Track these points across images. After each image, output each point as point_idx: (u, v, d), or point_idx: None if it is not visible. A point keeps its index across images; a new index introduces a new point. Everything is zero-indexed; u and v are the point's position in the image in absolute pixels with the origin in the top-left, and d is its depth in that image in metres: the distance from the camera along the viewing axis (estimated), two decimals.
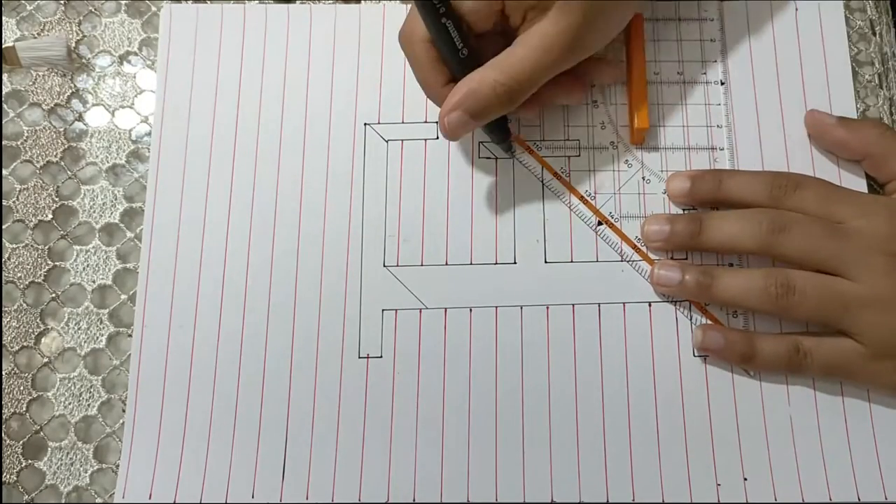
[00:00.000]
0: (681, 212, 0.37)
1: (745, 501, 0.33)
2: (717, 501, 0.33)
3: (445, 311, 0.36)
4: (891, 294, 0.32)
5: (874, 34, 0.40)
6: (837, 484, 0.33)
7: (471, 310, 0.36)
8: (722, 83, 0.38)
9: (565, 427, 0.34)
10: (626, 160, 0.37)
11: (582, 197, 0.37)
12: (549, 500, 0.33)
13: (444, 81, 0.34)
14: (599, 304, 0.36)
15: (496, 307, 0.36)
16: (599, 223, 0.36)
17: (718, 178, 0.35)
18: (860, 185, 0.37)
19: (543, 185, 0.37)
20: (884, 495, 0.33)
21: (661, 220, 0.36)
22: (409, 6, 0.34)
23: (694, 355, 0.35)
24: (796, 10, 0.39)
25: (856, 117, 0.38)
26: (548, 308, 0.36)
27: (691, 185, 0.36)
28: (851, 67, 0.39)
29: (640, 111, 0.37)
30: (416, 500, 0.33)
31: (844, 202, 0.34)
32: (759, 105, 0.38)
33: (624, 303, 0.36)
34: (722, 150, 0.37)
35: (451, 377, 0.35)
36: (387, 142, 0.38)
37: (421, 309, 0.36)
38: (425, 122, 0.38)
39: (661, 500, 0.33)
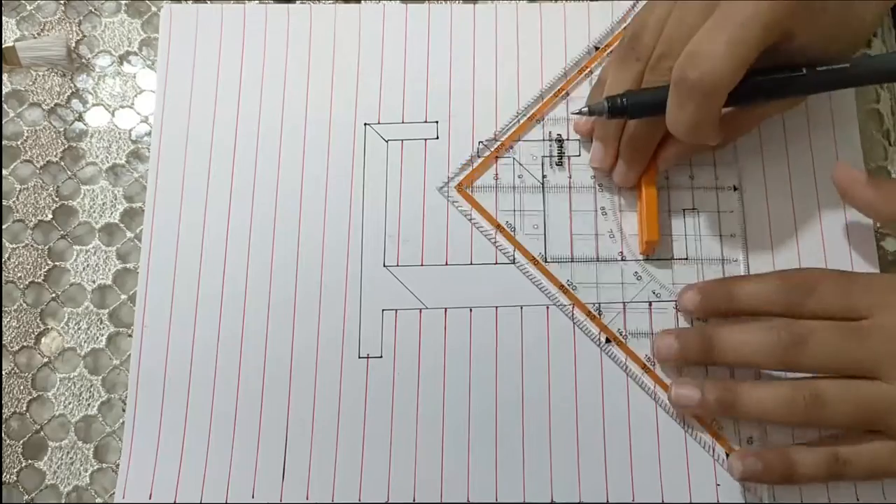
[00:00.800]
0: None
1: (744, 501, 0.33)
2: (716, 501, 0.33)
3: (445, 311, 0.36)
4: None
5: (874, 35, 0.40)
6: (836, 484, 0.33)
7: (471, 310, 0.36)
8: (735, 188, 0.37)
9: (565, 427, 0.34)
10: (636, 272, 0.36)
11: (589, 312, 0.35)
12: (549, 500, 0.33)
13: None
14: (600, 304, 0.36)
15: (496, 307, 0.36)
16: (608, 340, 0.35)
17: (729, 289, 0.33)
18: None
19: (549, 305, 0.36)
20: (882, 496, 0.33)
21: (670, 336, 0.34)
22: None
23: (711, 452, 0.34)
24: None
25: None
26: (548, 308, 0.36)
27: (702, 300, 0.34)
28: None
29: (651, 223, 0.35)
30: (416, 500, 0.33)
31: (865, 294, 0.32)
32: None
33: (624, 303, 0.36)
34: (736, 261, 0.36)
35: (451, 377, 0.35)
36: (387, 142, 0.38)
37: (421, 309, 0.36)
38: (425, 122, 0.38)
39: (660, 500, 0.33)
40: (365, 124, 0.38)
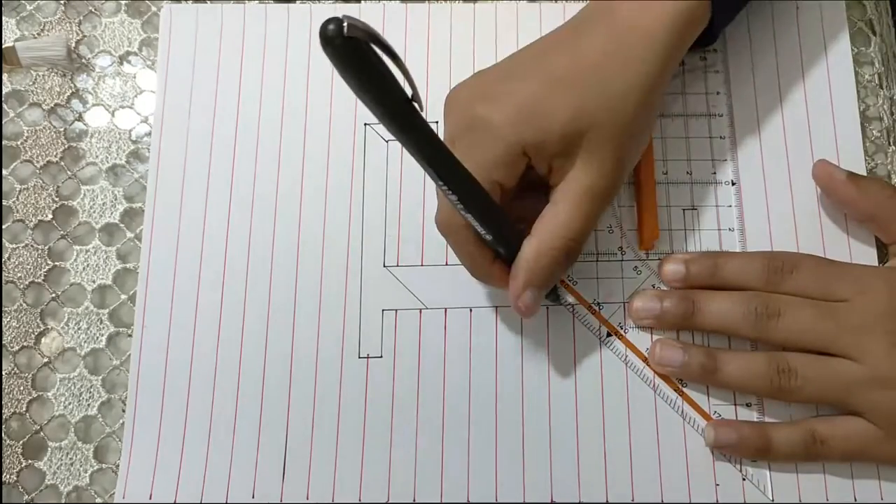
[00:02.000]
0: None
1: (743, 501, 0.33)
2: (715, 501, 0.33)
3: (445, 311, 0.36)
4: (894, 372, 0.31)
5: (874, 34, 0.40)
6: (835, 484, 0.33)
7: (471, 310, 0.36)
8: (733, 183, 0.37)
9: (565, 427, 0.34)
10: (635, 267, 0.36)
11: (590, 306, 0.35)
12: (549, 500, 0.33)
13: (491, 258, 0.32)
14: (600, 304, 0.36)
15: (496, 307, 0.36)
16: (609, 334, 0.35)
17: (714, 261, 0.34)
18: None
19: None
20: (881, 496, 0.33)
21: (651, 296, 0.35)
22: (437, 193, 0.32)
23: (710, 452, 0.34)
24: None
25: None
26: (548, 308, 0.36)
27: (686, 269, 0.34)
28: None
29: (650, 218, 0.36)
30: (416, 501, 0.33)
31: (843, 279, 0.33)
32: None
33: (624, 303, 0.36)
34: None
35: (451, 377, 0.35)
36: (387, 142, 0.38)
37: (421, 309, 0.36)
38: None
39: (660, 500, 0.33)
40: (365, 124, 0.38)
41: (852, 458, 0.33)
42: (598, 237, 0.36)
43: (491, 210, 0.29)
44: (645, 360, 0.35)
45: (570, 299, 0.35)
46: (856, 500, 0.33)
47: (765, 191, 0.37)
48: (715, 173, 0.37)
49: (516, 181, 0.31)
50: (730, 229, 0.37)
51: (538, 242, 0.31)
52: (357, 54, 0.21)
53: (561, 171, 0.31)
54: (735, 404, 0.34)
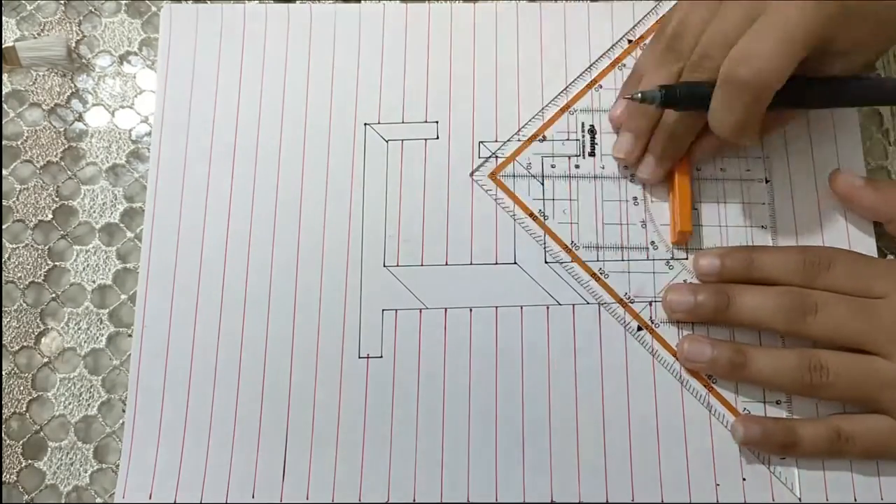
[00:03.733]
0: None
1: (743, 501, 0.33)
2: (716, 501, 0.33)
3: (445, 311, 0.36)
4: None
5: None
6: (835, 484, 0.33)
7: (471, 310, 0.36)
8: (766, 181, 0.37)
9: (565, 427, 0.34)
10: (667, 262, 0.36)
11: (621, 300, 0.35)
12: (549, 500, 0.33)
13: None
14: (599, 305, 0.36)
15: (496, 307, 0.36)
16: (639, 328, 0.35)
17: (749, 255, 0.34)
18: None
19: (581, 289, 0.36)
20: (880, 496, 0.33)
21: (685, 289, 0.34)
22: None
23: (738, 448, 0.34)
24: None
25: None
26: (548, 308, 0.36)
27: (721, 263, 0.34)
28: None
29: (684, 213, 0.35)
30: (416, 501, 0.33)
31: (880, 276, 0.33)
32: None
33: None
34: None
35: (451, 377, 0.35)
36: (387, 142, 0.38)
37: (421, 309, 0.36)
38: (425, 121, 0.38)
39: (660, 500, 0.33)
40: (365, 124, 0.38)
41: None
42: (629, 231, 0.37)
43: None
44: (675, 354, 0.35)
45: (554, 257, 0.35)
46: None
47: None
48: (749, 170, 0.37)
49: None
50: (762, 227, 0.37)
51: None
52: None
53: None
54: (765, 402, 0.34)
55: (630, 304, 0.36)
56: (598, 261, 0.36)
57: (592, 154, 0.38)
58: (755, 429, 0.33)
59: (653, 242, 0.36)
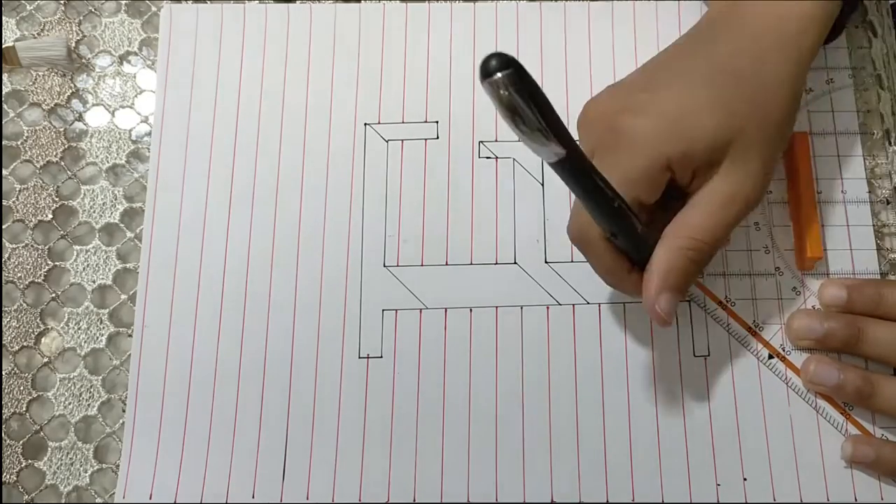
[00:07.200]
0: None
1: (744, 501, 0.33)
2: (716, 501, 0.33)
3: (445, 311, 0.36)
4: None
5: (874, 35, 0.40)
6: (835, 484, 0.33)
7: (471, 310, 0.36)
8: (889, 202, 0.36)
9: (565, 427, 0.34)
10: (794, 287, 0.36)
11: (749, 328, 0.35)
12: (549, 500, 0.33)
13: (629, 267, 0.31)
14: (599, 304, 0.36)
15: (496, 307, 0.36)
16: (770, 356, 0.35)
17: (878, 290, 0.33)
18: None
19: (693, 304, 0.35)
20: (880, 496, 0.33)
21: (814, 317, 0.34)
22: (573, 202, 0.31)
23: (844, 467, 0.33)
24: None
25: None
26: (548, 308, 0.36)
27: (848, 296, 0.33)
28: None
29: (812, 237, 0.34)
30: (416, 501, 0.33)
31: None
32: None
33: (624, 303, 0.36)
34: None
35: (451, 377, 0.35)
36: (387, 142, 0.38)
37: (421, 309, 0.36)
38: (425, 121, 0.38)
39: (660, 500, 0.33)
40: (365, 124, 0.38)
41: None
42: (753, 257, 0.36)
43: (631, 223, 0.29)
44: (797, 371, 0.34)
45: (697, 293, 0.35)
46: (856, 499, 0.33)
47: None
48: (870, 192, 0.37)
49: (657, 197, 0.30)
50: (889, 249, 0.36)
51: (669, 244, 0.30)
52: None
53: (702, 180, 0.30)
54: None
55: (759, 333, 0.35)
56: (725, 287, 0.35)
57: None
58: (867, 451, 0.32)
59: (778, 268, 0.36)
